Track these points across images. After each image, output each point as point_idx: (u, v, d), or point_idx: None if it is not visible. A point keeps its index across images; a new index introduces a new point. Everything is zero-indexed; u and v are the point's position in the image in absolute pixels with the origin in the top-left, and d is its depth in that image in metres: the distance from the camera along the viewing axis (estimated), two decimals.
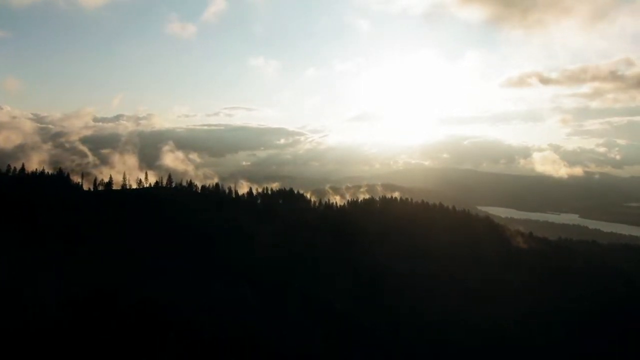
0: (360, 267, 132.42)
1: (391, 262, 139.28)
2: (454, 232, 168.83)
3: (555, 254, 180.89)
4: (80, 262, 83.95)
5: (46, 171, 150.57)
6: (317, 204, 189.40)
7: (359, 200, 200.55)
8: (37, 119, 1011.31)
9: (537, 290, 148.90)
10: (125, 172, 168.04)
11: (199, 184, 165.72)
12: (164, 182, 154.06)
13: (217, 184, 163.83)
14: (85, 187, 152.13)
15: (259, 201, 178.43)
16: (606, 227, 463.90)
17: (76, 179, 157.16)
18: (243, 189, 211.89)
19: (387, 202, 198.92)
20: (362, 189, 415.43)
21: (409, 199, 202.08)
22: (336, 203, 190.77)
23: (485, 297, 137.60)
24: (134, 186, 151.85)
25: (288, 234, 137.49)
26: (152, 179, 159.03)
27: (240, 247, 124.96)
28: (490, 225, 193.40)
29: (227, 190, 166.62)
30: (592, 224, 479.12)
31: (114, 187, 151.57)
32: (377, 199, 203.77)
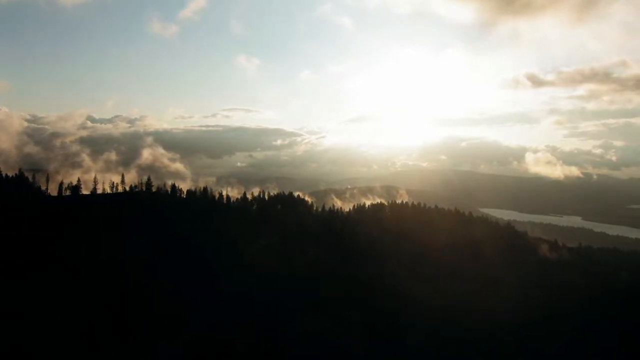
0: (375, 290, 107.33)
1: (409, 282, 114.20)
2: (477, 242, 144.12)
3: (587, 265, 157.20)
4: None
5: (4, 173, 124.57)
6: (319, 209, 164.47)
7: (366, 206, 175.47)
8: (34, 119, 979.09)
9: (570, 304, 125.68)
10: (99, 174, 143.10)
11: (184, 188, 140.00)
12: (143, 185, 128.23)
13: (205, 188, 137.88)
14: (51, 192, 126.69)
15: (254, 207, 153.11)
16: (611, 230, 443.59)
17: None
18: (238, 192, 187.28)
19: (397, 208, 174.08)
20: (363, 191, 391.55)
21: (422, 204, 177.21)
22: (341, 209, 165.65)
23: (514, 317, 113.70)
24: (107, 190, 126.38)
25: (288, 248, 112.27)
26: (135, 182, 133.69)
27: (230, 265, 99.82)
28: (513, 233, 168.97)
29: (217, 195, 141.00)
30: (596, 227, 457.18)
31: (86, 192, 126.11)
32: (387, 203, 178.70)
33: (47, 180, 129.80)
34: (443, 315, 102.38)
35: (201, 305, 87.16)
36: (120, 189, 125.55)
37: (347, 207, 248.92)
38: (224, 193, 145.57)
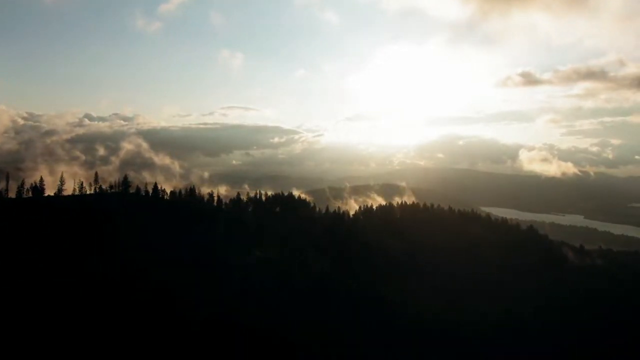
0: (391, 309, 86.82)
1: (433, 300, 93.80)
2: (502, 248, 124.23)
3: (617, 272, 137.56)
4: None
5: None
6: (322, 210, 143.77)
7: (374, 208, 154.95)
8: (31, 117, 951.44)
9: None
10: (83, 172, 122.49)
11: (168, 189, 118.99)
12: (119, 185, 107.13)
13: (192, 188, 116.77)
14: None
15: (249, 209, 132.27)
16: (615, 229, 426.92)
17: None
18: (233, 191, 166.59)
19: (407, 210, 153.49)
20: (363, 190, 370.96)
21: (434, 205, 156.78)
22: (347, 211, 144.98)
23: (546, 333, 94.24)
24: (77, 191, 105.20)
25: (288, 261, 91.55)
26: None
27: (216, 284, 78.91)
28: (536, 238, 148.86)
29: (206, 196, 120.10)
30: (600, 226, 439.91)
31: (51, 194, 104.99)
32: (395, 205, 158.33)
33: (7, 180, 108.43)
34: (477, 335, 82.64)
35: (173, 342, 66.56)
36: (90, 189, 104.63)
37: (349, 206, 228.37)
38: (215, 193, 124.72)
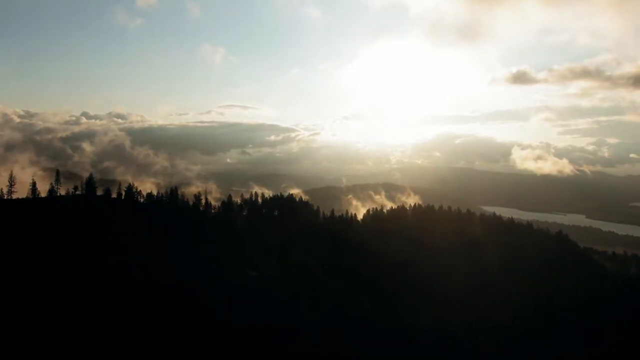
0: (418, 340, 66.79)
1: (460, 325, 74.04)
2: (534, 253, 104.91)
3: None
4: None
5: None
6: (326, 214, 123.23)
7: (384, 210, 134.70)
8: (27, 115, 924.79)
9: None
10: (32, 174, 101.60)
11: (148, 190, 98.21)
12: (82, 187, 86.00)
13: (172, 190, 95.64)
14: None
15: (245, 212, 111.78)
16: (619, 229, 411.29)
17: None
18: (225, 193, 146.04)
19: (420, 212, 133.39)
20: (364, 189, 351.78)
21: (451, 208, 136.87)
22: (354, 216, 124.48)
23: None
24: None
25: (289, 284, 71.07)
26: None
27: (193, 321, 58.38)
28: (568, 245, 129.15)
29: (192, 200, 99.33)
30: (603, 226, 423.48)
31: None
32: (407, 207, 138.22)
33: None
34: None
35: None
36: (43, 192, 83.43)
37: (353, 207, 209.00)
38: (202, 195, 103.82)
